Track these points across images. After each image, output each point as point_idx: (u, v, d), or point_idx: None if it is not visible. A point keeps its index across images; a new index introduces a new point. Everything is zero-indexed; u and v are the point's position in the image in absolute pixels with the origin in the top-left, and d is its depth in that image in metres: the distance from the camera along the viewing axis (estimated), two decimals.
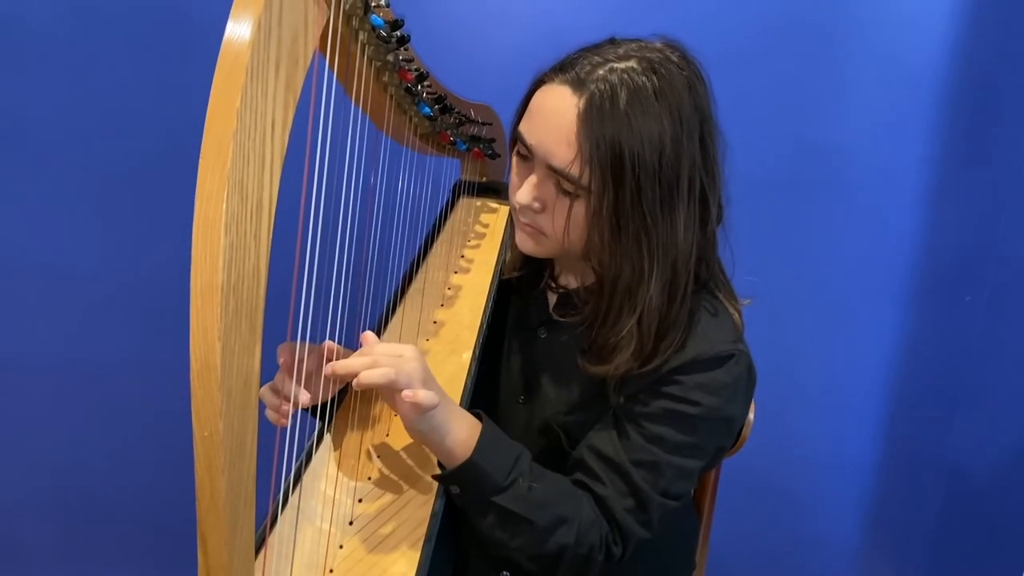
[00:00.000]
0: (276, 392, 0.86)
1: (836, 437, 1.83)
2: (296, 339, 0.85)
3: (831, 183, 1.69)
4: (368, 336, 0.84)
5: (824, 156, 1.67)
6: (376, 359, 0.79)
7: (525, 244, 0.95)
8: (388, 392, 0.80)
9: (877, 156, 1.66)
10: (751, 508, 1.78)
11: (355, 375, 0.77)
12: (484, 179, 1.33)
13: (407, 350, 0.81)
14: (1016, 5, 1.58)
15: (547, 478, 0.90)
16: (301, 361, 0.84)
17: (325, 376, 0.79)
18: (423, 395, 0.79)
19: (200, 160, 0.55)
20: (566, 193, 0.87)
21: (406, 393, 0.78)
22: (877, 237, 1.71)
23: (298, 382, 0.83)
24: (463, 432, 0.85)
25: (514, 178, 0.93)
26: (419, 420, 0.81)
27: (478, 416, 0.88)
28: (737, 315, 0.96)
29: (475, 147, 1.19)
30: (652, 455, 0.89)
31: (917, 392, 1.80)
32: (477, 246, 1.20)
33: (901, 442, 1.83)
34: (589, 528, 0.88)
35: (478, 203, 1.29)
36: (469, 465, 0.84)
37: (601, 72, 0.83)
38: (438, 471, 0.88)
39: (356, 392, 0.96)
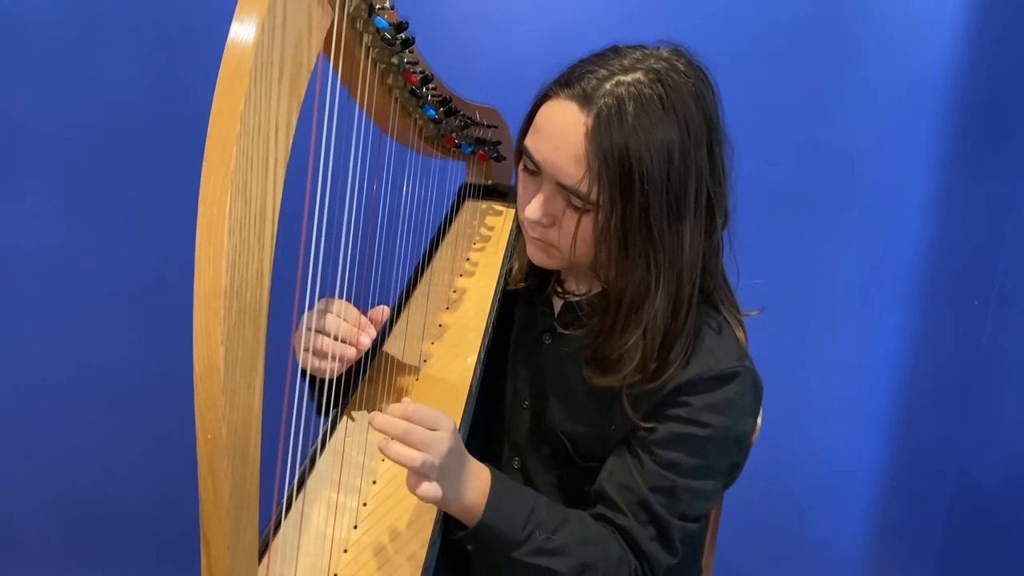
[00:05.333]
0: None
1: (843, 441, 1.82)
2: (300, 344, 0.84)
3: (839, 187, 1.68)
4: (406, 400, 0.80)
5: (832, 160, 1.66)
6: (409, 432, 0.76)
7: (536, 257, 0.95)
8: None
9: (885, 160, 1.66)
10: (758, 513, 1.77)
11: (387, 435, 0.77)
12: (489, 182, 1.32)
13: (441, 428, 0.79)
14: None
15: (569, 523, 0.88)
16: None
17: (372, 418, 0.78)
18: (424, 490, 0.77)
19: (203, 163, 0.55)
20: (575, 208, 0.86)
21: (410, 484, 0.77)
22: (885, 241, 1.70)
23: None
24: (474, 494, 0.83)
25: (522, 192, 0.92)
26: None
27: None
28: (741, 331, 0.95)
29: (480, 150, 1.19)
30: (668, 480, 0.88)
31: (925, 396, 1.79)
32: (482, 249, 1.19)
33: (908, 446, 1.82)
34: (618, 567, 0.87)
35: (483, 206, 1.29)
36: (481, 526, 0.83)
37: (608, 86, 0.82)
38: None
39: (360, 394, 0.96)
